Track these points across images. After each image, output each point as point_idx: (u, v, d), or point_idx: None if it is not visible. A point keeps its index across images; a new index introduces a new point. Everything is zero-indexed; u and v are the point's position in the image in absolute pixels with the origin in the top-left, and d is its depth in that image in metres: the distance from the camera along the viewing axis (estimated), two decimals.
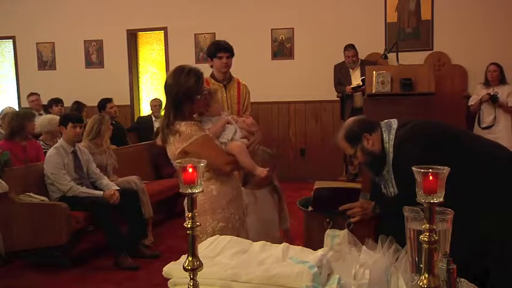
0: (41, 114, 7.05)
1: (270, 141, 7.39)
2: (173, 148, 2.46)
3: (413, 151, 2.31)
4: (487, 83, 6.62)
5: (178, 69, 2.51)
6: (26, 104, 8.16)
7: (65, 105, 7.47)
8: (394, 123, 2.51)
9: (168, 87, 2.49)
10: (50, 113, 6.42)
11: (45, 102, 7.72)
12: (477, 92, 6.70)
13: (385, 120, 2.56)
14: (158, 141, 2.79)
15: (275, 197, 3.15)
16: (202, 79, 2.52)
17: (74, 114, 5.21)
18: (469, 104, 6.76)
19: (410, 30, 7.57)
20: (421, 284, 1.27)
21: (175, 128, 2.44)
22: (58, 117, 5.38)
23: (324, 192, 2.66)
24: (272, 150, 3.19)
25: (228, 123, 2.63)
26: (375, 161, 2.50)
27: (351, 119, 2.67)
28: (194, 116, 2.59)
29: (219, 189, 2.51)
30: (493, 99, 6.42)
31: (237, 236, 2.35)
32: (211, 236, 2.35)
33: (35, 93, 7.74)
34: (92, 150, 4.96)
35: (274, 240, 2.92)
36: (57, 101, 7.12)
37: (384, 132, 2.49)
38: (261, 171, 2.52)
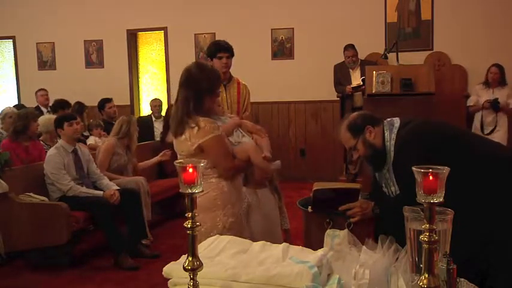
0: (49, 112, 7.04)
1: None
2: (188, 143, 2.44)
3: (413, 151, 2.30)
4: (486, 84, 6.56)
5: (202, 63, 2.64)
6: (26, 103, 8.16)
7: None
8: (397, 122, 2.51)
9: (192, 78, 2.49)
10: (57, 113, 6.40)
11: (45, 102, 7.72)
12: (476, 93, 6.64)
13: (388, 119, 2.55)
14: (169, 138, 2.75)
15: (276, 196, 3.17)
16: (221, 77, 2.72)
17: (65, 113, 5.38)
18: (468, 104, 6.71)
19: (410, 30, 7.56)
20: (421, 284, 1.27)
21: (195, 120, 2.43)
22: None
23: (323, 194, 2.66)
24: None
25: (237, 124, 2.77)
26: (376, 154, 2.49)
27: (355, 112, 2.67)
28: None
29: (230, 185, 2.55)
30: (495, 107, 6.31)
31: (243, 232, 2.39)
32: (222, 231, 2.39)
33: (44, 89, 7.84)
34: (118, 148, 5.15)
35: (277, 238, 2.95)
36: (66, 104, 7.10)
37: (385, 130, 2.49)
38: (275, 165, 2.71)
